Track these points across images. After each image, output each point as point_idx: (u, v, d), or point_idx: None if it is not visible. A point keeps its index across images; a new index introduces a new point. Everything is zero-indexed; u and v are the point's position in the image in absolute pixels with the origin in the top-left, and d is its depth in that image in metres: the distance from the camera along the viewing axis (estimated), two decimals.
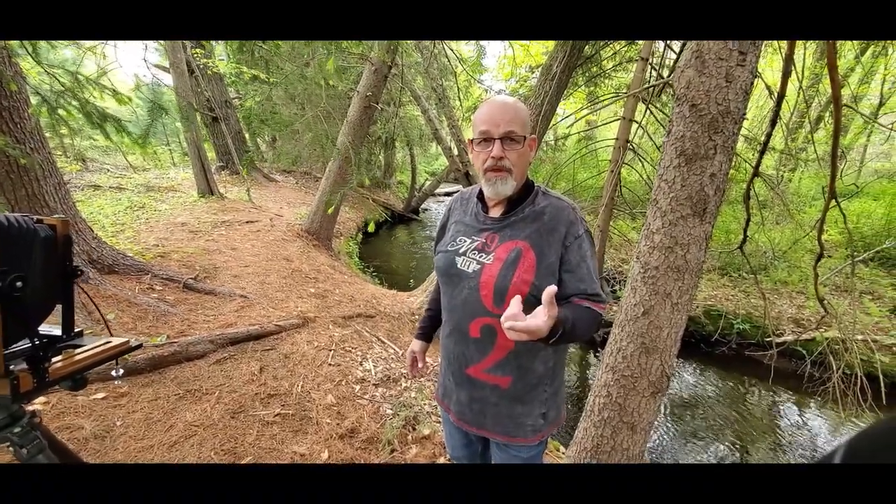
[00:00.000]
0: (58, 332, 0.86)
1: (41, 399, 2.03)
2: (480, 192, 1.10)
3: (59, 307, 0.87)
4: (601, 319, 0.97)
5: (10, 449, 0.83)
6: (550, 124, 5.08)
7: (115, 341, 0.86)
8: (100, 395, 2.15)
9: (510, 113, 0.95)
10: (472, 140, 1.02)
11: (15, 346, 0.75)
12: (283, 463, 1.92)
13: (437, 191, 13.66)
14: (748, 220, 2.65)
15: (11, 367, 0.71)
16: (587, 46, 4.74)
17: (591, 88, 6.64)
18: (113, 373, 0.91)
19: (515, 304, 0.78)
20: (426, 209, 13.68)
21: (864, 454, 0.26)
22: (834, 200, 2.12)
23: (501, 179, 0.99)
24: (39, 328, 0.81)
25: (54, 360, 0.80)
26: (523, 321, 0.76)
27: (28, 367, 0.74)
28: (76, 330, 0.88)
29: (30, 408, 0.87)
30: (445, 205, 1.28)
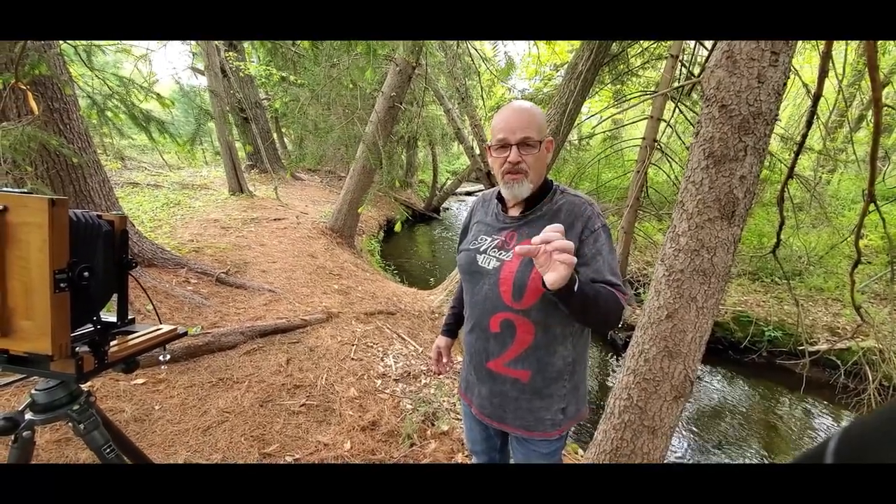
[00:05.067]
0: (113, 318, 0.94)
1: (87, 383, 2.18)
2: (500, 192, 1.14)
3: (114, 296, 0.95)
4: (622, 305, 0.95)
5: (69, 425, 0.91)
6: (575, 123, 5.04)
7: (165, 328, 0.93)
8: (140, 381, 2.29)
9: (525, 119, 1.00)
10: (489, 146, 1.07)
11: (79, 330, 0.83)
12: (309, 463, 1.99)
13: (459, 190, 13.69)
14: (782, 224, 2.57)
15: (76, 349, 0.78)
16: (614, 44, 4.67)
17: (618, 87, 6.51)
18: (160, 357, 0.99)
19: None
20: (447, 208, 13.73)
21: (857, 446, 0.27)
22: (873, 204, 2.03)
23: (518, 182, 1.03)
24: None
25: (111, 344, 0.88)
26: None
27: (90, 349, 0.81)
28: (129, 317, 0.96)
29: (84, 388, 0.96)
30: (468, 206, 1.32)
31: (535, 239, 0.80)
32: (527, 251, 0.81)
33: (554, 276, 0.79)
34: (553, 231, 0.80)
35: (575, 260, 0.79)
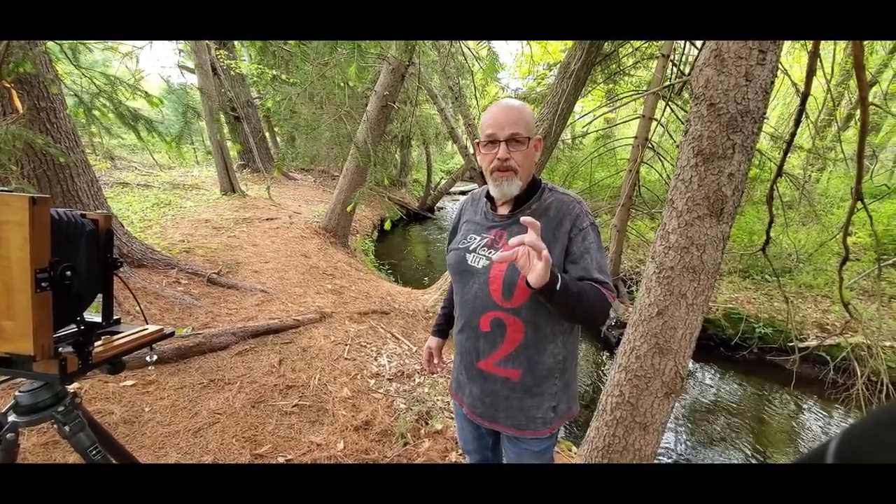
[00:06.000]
0: (98, 319, 0.92)
1: (74, 385, 2.15)
2: (489, 191, 1.13)
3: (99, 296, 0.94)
4: (609, 303, 0.97)
5: (54, 426, 0.90)
6: (568, 122, 5.05)
7: (151, 328, 0.92)
8: (129, 382, 2.26)
9: (514, 116, 1.00)
10: (478, 143, 1.06)
11: (63, 330, 0.81)
12: (300, 463, 1.98)
13: (453, 189, 13.70)
14: (771, 222, 2.59)
15: (60, 349, 0.77)
16: (606, 44, 4.69)
17: (610, 86, 6.56)
18: (147, 358, 0.98)
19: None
20: (441, 207, 13.72)
21: (857, 447, 0.27)
22: (860, 202, 2.06)
23: (507, 180, 1.03)
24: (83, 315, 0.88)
25: (96, 344, 0.87)
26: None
27: (74, 350, 0.80)
28: (114, 318, 0.94)
29: (70, 389, 0.94)
30: (457, 206, 1.32)
31: (512, 241, 0.81)
32: (504, 258, 0.82)
33: (533, 275, 0.81)
34: (529, 232, 0.81)
35: (548, 255, 0.80)
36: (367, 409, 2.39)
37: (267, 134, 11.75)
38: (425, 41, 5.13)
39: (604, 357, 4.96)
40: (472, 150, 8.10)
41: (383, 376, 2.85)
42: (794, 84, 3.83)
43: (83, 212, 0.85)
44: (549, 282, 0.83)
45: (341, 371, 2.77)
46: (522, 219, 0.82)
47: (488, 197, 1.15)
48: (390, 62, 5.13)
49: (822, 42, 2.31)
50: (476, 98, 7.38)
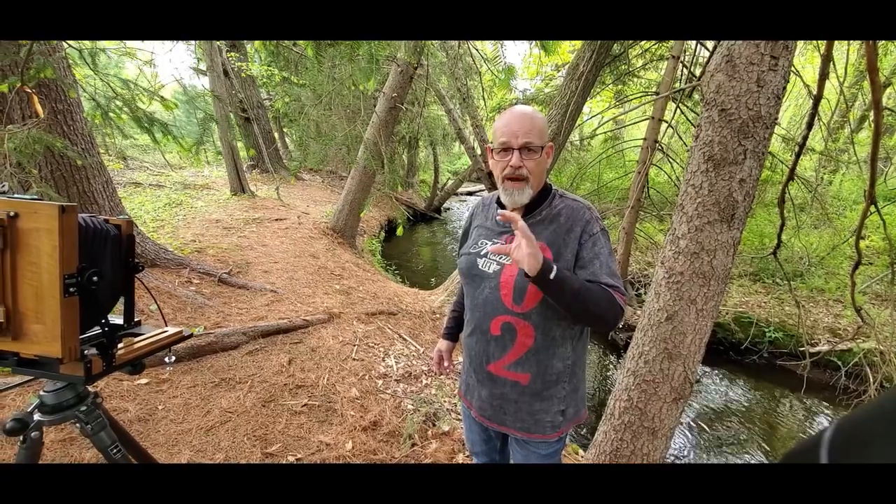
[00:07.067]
0: (120, 321, 0.95)
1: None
2: (500, 197, 1.15)
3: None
4: (620, 305, 0.98)
5: (77, 425, 0.92)
6: (576, 124, 5.04)
7: (171, 330, 0.94)
8: (143, 381, 2.31)
9: (528, 124, 1.01)
10: (491, 149, 1.08)
11: (88, 332, 0.84)
12: (311, 463, 2.00)
13: (460, 190, 13.70)
14: (782, 225, 2.58)
15: (85, 351, 0.80)
16: (615, 45, 4.67)
17: (619, 87, 6.51)
18: (166, 359, 1.00)
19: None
20: (448, 208, 13.74)
21: (851, 437, 0.27)
22: (873, 205, 2.04)
23: (518, 189, 1.05)
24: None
25: (118, 346, 0.90)
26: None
27: (98, 352, 0.83)
28: (135, 320, 0.97)
29: (91, 389, 0.97)
30: (468, 210, 1.34)
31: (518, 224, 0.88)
32: (499, 250, 0.93)
33: (519, 256, 0.88)
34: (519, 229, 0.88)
35: (535, 243, 0.88)
36: (375, 410, 2.41)
37: (276, 135, 11.86)
38: (433, 43, 5.15)
39: (612, 361, 4.94)
40: (479, 151, 8.10)
41: (391, 377, 2.87)
42: (807, 86, 3.80)
43: (106, 217, 0.87)
44: (543, 268, 0.88)
45: (349, 371, 2.80)
46: (500, 212, 0.93)
47: (499, 203, 1.16)
48: (399, 63, 5.16)
49: (835, 44, 2.29)
50: (484, 99, 7.39)
